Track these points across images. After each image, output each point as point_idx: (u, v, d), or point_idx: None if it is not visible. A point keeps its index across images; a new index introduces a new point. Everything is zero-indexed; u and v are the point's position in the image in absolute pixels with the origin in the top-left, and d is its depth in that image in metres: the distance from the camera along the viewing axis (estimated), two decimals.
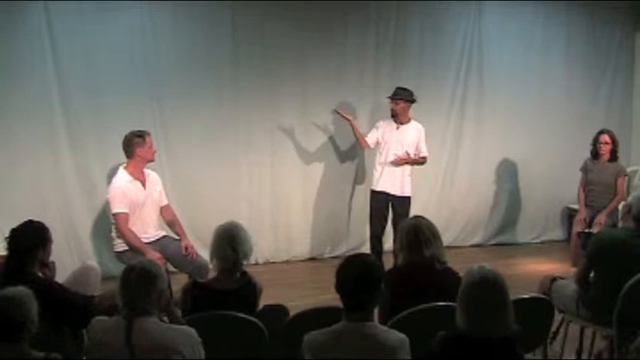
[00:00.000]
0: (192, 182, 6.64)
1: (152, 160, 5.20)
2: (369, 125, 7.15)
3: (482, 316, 2.63)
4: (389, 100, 6.27)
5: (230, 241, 3.51)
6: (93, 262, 4.79)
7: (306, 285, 6.10)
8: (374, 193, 6.36)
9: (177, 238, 5.24)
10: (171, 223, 5.33)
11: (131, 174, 5.07)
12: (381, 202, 6.28)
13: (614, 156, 6.43)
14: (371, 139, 6.39)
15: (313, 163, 7.10)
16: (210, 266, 3.81)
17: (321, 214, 7.16)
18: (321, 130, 7.06)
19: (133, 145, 5.06)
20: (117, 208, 4.98)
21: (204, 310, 3.30)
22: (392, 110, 6.26)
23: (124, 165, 5.12)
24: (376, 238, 6.38)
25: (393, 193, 6.27)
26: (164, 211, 5.33)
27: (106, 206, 5.39)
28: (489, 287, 2.65)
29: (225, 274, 3.53)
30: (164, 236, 5.26)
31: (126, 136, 5.10)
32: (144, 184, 5.12)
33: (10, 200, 5.87)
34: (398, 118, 6.26)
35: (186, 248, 5.12)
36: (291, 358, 3.12)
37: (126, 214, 4.97)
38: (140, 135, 5.10)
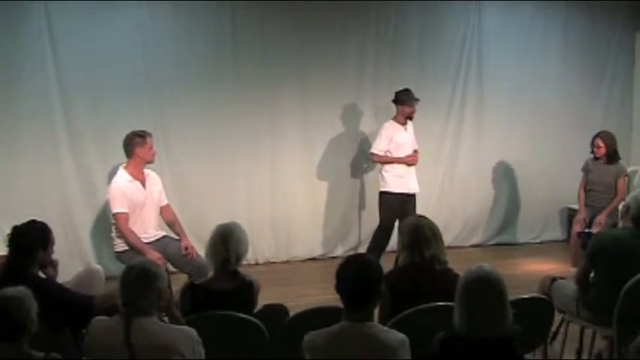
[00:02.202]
0: (193, 182, 6.64)
1: (151, 162, 5.18)
2: (370, 125, 7.18)
3: (479, 315, 2.63)
4: (407, 103, 6.15)
5: (223, 240, 3.51)
6: (96, 265, 4.78)
7: (306, 285, 6.10)
8: (395, 195, 6.19)
9: (177, 238, 5.24)
10: (171, 223, 5.33)
11: (131, 174, 5.06)
12: (399, 203, 6.17)
13: (613, 158, 6.42)
14: (384, 148, 6.20)
15: (313, 164, 7.10)
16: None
17: (322, 214, 7.16)
18: (321, 130, 7.06)
19: (133, 144, 5.05)
20: (117, 207, 4.98)
21: (203, 311, 3.30)
22: (412, 112, 6.21)
23: (124, 165, 5.12)
24: (388, 238, 6.29)
25: (415, 192, 6.31)
26: (164, 211, 5.32)
27: (107, 206, 5.39)
28: (487, 287, 2.65)
29: (221, 274, 3.53)
30: (164, 236, 5.25)
31: (127, 135, 5.09)
32: (144, 184, 5.12)
33: (10, 201, 5.88)
34: (407, 119, 6.26)
35: (186, 248, 5.12)
36: (291, 358, 3.12)
37: (126, 213, 4.97)
38: (141, 135, 5.09)
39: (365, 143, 7.21)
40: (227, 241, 3.51)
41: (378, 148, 6.21)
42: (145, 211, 5.12)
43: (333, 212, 7.20)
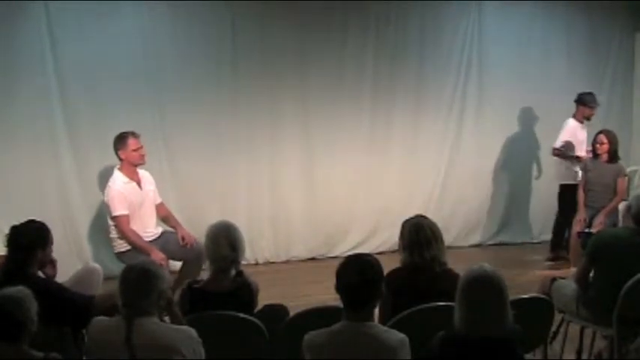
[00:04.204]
0: (193, 183, 6.63)
1: (137, 164, 5.13)
2: (370, 125, 7.19)
3: (479, 315, 2.63)
4: (589, 105, 6.74)
5: (228, 240, 3.49)
6: (95, 264, 4.79)
7: (306, 285, 6.10)
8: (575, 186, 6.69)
9: (173, 231, 5.32)
10: (166, 218, 5.43)
11: (126, 175, 5.10)
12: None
13: (614, 156, 6.43)
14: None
15: (313, 163, 7.09)
16: (204, 267, 3.81)
17: (321, 213, 7.15)
18: (321, 129, 7.06)
19: (116, 147, 5.07)
20: (117, 210, 5.01)
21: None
22: (592, 115, 6.82)
23: (119, 166, 5.14)
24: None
25: None
26: (158, 208, 5.38)
27: (105, 207, 5.40)
28: (487, 286, 2.65)
29: (220, 274, 3.52)
30: (163, 232, 5.33)
31: (116, 136, 5.10)
32: (140, 185, 5.15)
33: (10, 201, 5.87)
34: (584, 119, 6.83)
35: (183, 238, 5.19)
36: (291, 358, 3.12)
37: (126, 215, 5.01)
38: (122, 136, 5.04)
39: (366, 142, 7.21)
40: (233, 242, 3.50)
41: (559, 141, 6.72)
42: (144, 210, 5.17)
43: (333, 212, 7.17)
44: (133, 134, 5.10)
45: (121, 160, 5.10)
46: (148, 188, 5.24)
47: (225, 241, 3.49)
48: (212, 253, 3.51)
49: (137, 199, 5.09)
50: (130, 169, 5.12)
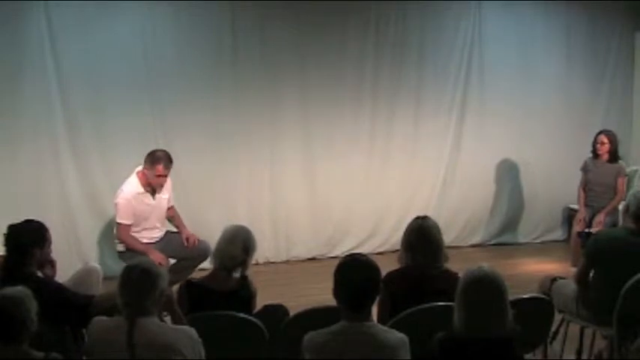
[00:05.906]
0: (193, 183, 6.61)
1: (153, 187, 5.18)
2: (370, 125, 7.18)
3: (479, 315, 2.63)
4: None
5: (243, 243, 3.55)
6: (94, 264, 4.82)
7: (306, 285, 6.10)
8: None
9: (176, 231, 5.39)
10: (171, 218, 5.48)
11: (142, 184, 5.14)
12: None
13: (614, 156, 6.43)
14: None
15: (313, 163, 7.08)
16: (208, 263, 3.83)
17: (322, 213, 7.15)
18: (321, 130, 7.05)
19: (146, 161, 5.10)
20: (121, 218, 5.08)
21: (201, 311, 3.31)
22: None
23: (139, 169, 5.17)
24: None
25: None
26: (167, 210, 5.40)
27: (107, 206, 5.42)
28: (487, 287, 2.65)
29: (222, 272, 3.52)
30: (166, 232, 5.39)
31: (155, 150, 5.15)
32: (154, 194, 5.17)
33: (10, 201, 5.87)
34: None
35: (187, 239, 5.28)
36: (291, 358, 3.12)
37: (128, 225, 5.07)
38: (156, 158, 5.07)
39: (366, 142, 7.21)
40: (247, 246, 3.56)
41: None
42: (152, 220, 5.24)
43: (334, 212, 7.17)
44: (166, 162, 5.12)
45: (143, 169, 5.15)
46: (162, 196, 5.27)
47: (240, 242, 3.54)
48: (223, 250, 3.54)
49: (145, 211, 5.15)
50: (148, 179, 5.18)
